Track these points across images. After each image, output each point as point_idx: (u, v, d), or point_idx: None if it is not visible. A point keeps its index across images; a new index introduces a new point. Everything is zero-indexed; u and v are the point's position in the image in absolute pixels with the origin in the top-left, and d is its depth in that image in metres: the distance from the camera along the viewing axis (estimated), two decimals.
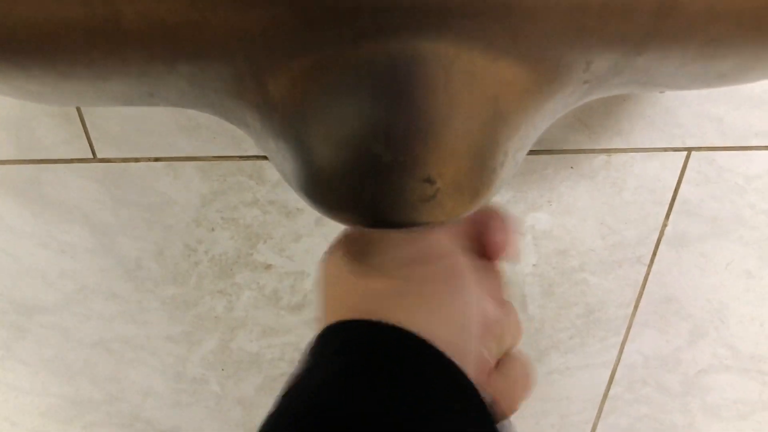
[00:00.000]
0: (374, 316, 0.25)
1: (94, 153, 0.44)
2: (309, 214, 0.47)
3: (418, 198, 0.22)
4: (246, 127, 0.25)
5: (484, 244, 0.30)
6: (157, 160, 0.44)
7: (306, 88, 0.20)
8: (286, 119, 0.22)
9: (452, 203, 0.23)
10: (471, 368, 0.25)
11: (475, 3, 0.17)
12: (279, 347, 0.56)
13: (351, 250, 0.28)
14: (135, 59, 0.19)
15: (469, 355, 0.26)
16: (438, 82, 0.19)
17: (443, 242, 0.27)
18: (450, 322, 0.25)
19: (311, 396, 0.22)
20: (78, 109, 0.42)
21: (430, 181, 0.22)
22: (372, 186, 0.22)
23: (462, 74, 0.19)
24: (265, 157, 0.44)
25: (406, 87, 0.19)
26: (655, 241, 0.50)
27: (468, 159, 0.22)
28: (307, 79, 0.20)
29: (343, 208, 0.23)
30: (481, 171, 0.23)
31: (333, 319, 0.26)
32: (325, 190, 0.23)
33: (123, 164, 0.44)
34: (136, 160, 0.44)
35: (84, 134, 0.43)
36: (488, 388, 0.28)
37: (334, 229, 0.30)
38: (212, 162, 0.44)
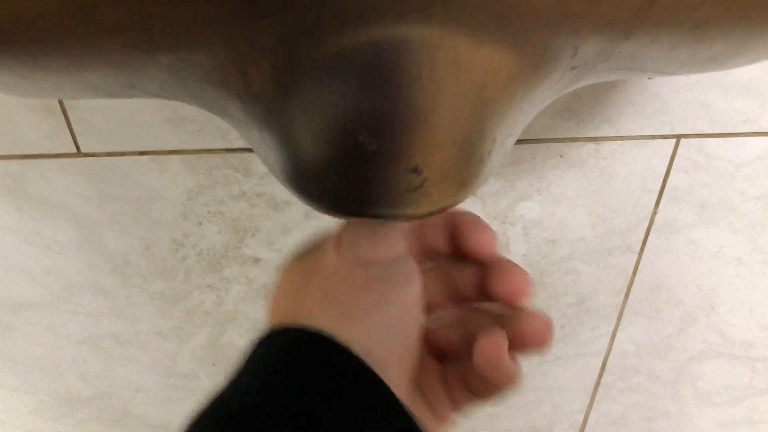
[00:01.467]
0: (306, 321, 0.26)
1: (78, 147, 0.43)
2: (297, 206, 0.47)
3: (405, 188, 0.22)
4: (229, 118, 0.24)
5: (463, 243, 0.29)
6: (142, 153, 0.44)
7: (288, 77, 0.20)
8: (269, 109, 0.21)
9: (439, 193, 0.23)
10: (404, 372, 0.27)
11: None
12: None
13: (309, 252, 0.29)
14: (113, 49, 0.19)
15: (403, 360, 0.27)
16: (423, 69, 0.19)
17: (412, 272, 0.28)
18: (384, 329, 0.26)
19: (231, 399, 0.24)
20: (61, 103, 0.41)
21: (416, 170, 0.21)
22: (357, 176, 0.22)
23: (447, 61, 0.19)
24: (251, 150, 0.43)
25: (390, 75, 0.19)
26: (645, 229, 0.50)
27: (455, 148, 0.22)
28: (289, 67, 0.20)
29: (328, 198, 0.23)
30: (468, 160, 0.22)
31: (272, 322, 0.27)
32: (310, 180, 0.23)
33: (108, 158, 0.44)
34: (121, 154, 0.44)
35: (67, 128, 0.42)
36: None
37: (324, 221, 0.30)
38: (198, 155, 0.44)
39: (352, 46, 0.18)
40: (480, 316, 0.30)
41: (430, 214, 0.23)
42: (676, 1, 0.19)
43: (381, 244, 0.27)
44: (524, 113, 0.23)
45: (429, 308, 0.31)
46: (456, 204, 0.24)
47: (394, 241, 0.27)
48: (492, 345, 0.27)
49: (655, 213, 0.49)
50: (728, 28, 0.20)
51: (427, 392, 0.30)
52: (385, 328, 0.26)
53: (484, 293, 0.29)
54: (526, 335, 0.27)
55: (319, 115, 0.21)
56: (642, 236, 0.51)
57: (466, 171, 0.23)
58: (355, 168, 0.22)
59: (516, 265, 0.29)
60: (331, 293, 0.27)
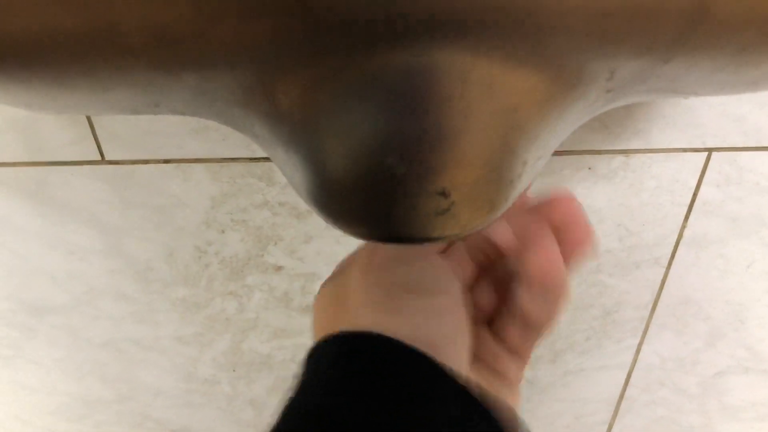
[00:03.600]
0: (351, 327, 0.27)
1: (102, 155, 0.43)
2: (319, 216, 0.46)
3: (433, 211, 0.21)
4: (254, 137, 0.24)
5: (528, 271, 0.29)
6: (166, 162, 0.43)
7: (316, 98, 0.20)
8: (296, 129, 0.21)
9: (468, 216, 0.22)
10: (461, 351, 0.28)
11: (493, 11, 0.16)
12: (290, 348, 0.56)
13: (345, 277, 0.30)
14: (138, 70, 0.19)
15: (456, 339, 0.28)
16: (454, 92, 0.18)
17: (443, 273, 0.29)
18: (429, 316, 0.27)
19: (311, 408, 0.24)
20: None
21: (444, 194, 0.21)
22: (385, 199, 0.21)
23: (479, 84, 0.18)
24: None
25: (421, 97, 0.19)
26: (673, 243, 0.49)
27: (484, 171, 0.21)
28: (318, 88, 0.19)
29: (354, 220, 0.22)
30: (498, 183, 0.22)
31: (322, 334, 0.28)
32: (336, 201, 0.22)
33: (131, 166, 0.44)
34: (145, 162, 0.44)
35: (92, 136, 0.42)
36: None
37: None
38: (222, 164, 0.43)
39: (381, 68, 0.18)
40: (508, 265, 0.32)
41: (458, 237, 0.23)
42: (721, 23, 0.18)
43: (408, 250, 0.28)
44: (556, 135, 0.23)
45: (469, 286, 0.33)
46: (484, 226, 0.23)
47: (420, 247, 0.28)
48: (544, 250, 0.29)
49: (684, 227, 0.48)
50: None
51: (488, 360, 0.31)
52: (429, 316, 0.27)
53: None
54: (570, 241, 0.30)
55: (346, 137, 0.20)
56: (670, 250, 0.50)
57: (495, 194, 0.22)
58: (381, 190, 0.21)
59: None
60: (369, 298, 0.27)
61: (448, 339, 0.27)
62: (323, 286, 0.31)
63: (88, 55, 0.18)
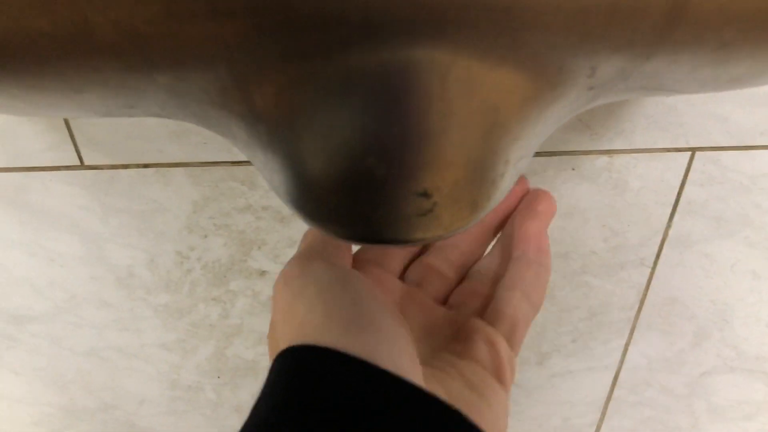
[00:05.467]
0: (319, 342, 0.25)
1: (81, 160, 0.42)
2: None
3: (414, 212, 0.21)
4: (233, 138, 0.23)
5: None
6: (146, 166, 0.43)
7: (293, 98, 0.19)
8: (274, 130, 0.21)
9: (450, 217, 0.22)
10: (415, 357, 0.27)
11: (470, 9, 0.16)
12: None
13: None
14: (110, 71, 0.18)
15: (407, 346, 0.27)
16: (433, 91, 0.18)
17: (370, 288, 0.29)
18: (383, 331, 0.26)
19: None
20: None
21: (426, 194, 0.21)
22: (365, 200, 0.21)
23: (458, 83, 0.18)
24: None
25: (400, 97, 0.18)
26: (658, 243, 0.49)
27: (466, 171, 0.21)
28: (294, 88, 0.19)
29: (335, 222, 0.22)
30: (480, 183, 0.21)
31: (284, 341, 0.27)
32: (317, 203, 0.22)
33: (111, 171, 0.43)
34: (125, 166, 0.43)
35: (71, 141, 0.41)
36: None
37: None
38: (203, 168, 0.43)
39: (359, 67, 0.18)
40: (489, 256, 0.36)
41: (441, 238, 0.22)
42: (701, 20, 0.18)
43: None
44: (539, 133, 0.22)
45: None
46: (468, 227, 0.23)
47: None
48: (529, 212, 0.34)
49: (669, 227, 0.48)
50: (754, 48, 0.19)
51: (478, 351, 0.30)
52: (383, 330, 0.26)
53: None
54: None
55: (325, 138, 0.20)
56: (655, 250, 0.50)
57: (478, 194, 0.22)
58: (362, 192, 0.21)
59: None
60: (326, 307, 0.26)
61: (404, 350, 0.26)
62: (277, 285, 0.30)
63: (58, 55, 0.18)
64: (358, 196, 0.21)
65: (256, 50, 0.17)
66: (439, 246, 0.35)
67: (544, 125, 0.22)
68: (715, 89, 0.23)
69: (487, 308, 0.32)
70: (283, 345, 0.26)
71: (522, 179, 0.36)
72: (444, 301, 0.34)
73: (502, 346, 0.30)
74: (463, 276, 0.36)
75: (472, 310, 0.33)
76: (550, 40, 0.18)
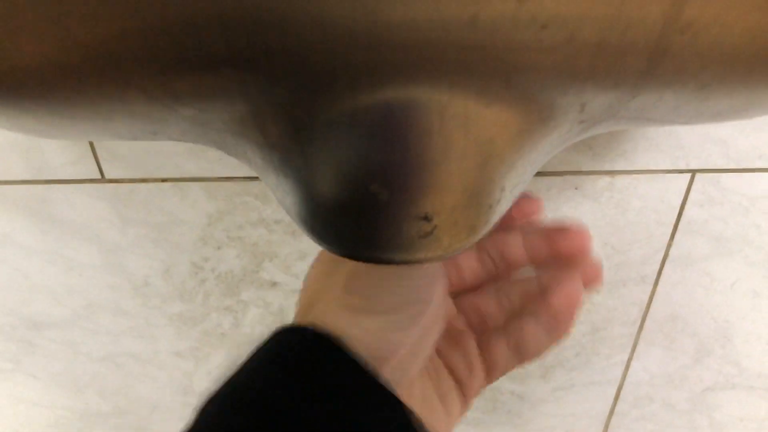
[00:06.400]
0: (326, 310, 0.29)
1: (102, 174, 0.44)
2: None
3: (416, 234, 0.23)
4: (247, 161, 0.25)
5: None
6: (164, 180, 0.45)
7: (304, 131, 0.21)
8: (286, 158, 0.22)
9: (449, 239, 0.23)
10: (417, 358, 0.30)
11: (467, 52, 0.17)
12: None
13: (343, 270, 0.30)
14: (136, 103, 0.20)
15: (417, 348, 0.29)
16: (432, 126, 0.20)
17: (426, 282, 0.30)
18: (401, 322, 0.28)
19: (241, 384, 0.27)
20: None
21: (427, 218, 0.22)
22: (370, 223, 0.22)
23: (456, 119, 0.20)
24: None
25: (401, 131, 0.20)
26: (659, 261, 0.50)
27: (464, 197, 0.22)
28: (305, 122, 0.20)
29: (342, 243, 0.24)
30: (477, 208, 0.23)
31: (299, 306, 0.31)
32: (325, 225, 0.24)
33: (131, 185, 0.45)
34: (144, 180, 0.45)
35: (92, 155, 0.43)
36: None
37: None
38: (218, 182, 0.45)
39: (364, 104, 0.19)
40: (519, 284, 0.34)
41: (441, 258, 0.24)
42: (680, 62, 0.19)
43: None
44: (533, 163, 0.24)
45: (470, 286, 0.35)
46: (466, 248, 0.25)
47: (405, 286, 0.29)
48: (573, 288, 0.31)
49: (669, 245, 0.49)
50: (732, 89, 0.20)
51: (456, 366, 0.33)
52: (401, 322, 0.28)
53: (535, 256, 0.33)
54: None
55: (333, 166, 0.21)
56: (657, 267, 0.51)
57: (475, 218, 0.23)
58: (367, 216, 0.22)
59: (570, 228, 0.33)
60: (353, 284, 0.29)
61: (410, 349, 0.28)
62: (318, 256, 0.33)
63: (91, 88, 0.19)
64: (363, 219, 0.22)
65: (272, 90, 0.19)
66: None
67: (538, 155, 0.24)
68: (701, 122, 0.25)
69: (487, 332, 0.34)
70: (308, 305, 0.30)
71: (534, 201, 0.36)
72: (464, 286, 0.35)
73: (478, 376, 0.33)
74: (498, 266, 0.35)
75: (475, 323, 0.34)
76: (541, 80, 0.19)
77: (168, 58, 0.18)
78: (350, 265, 0.29)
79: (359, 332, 0.27)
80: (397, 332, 0.28)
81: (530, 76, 0.19)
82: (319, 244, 0.25)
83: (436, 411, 0.31)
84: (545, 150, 0.24)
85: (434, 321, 0.30)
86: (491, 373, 0.33)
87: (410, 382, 0.30)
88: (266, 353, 0.28)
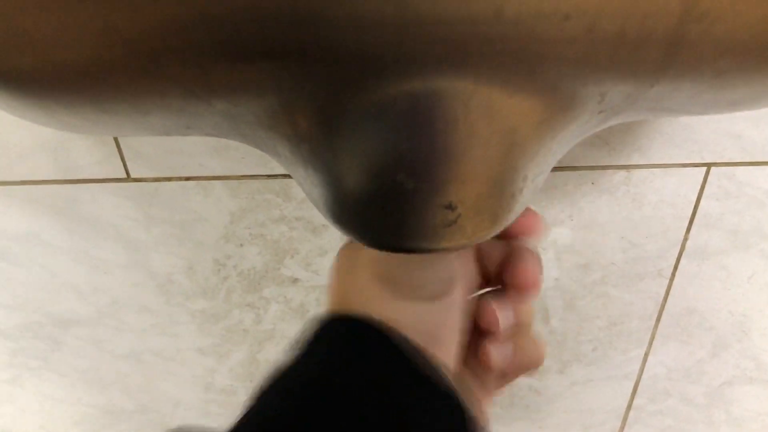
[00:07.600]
0: (358, 302, 0.29)
1: (127, 173, 0.45)
2: (334, 230, 0.48)
3: (440, 223, 0.23)
4: (276, 155, 0.26)
5: (511, 278, 0.32)
6: (188, 179, 0.46)
7: (333, 122, 0.22)
8: (314, 149, 0.23)
9: (473, 227, 0.24)
10: (455, 345, 0.30)
11: (492, 44, 0.18)
12: None
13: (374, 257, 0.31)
14: (173, 96, 0.21)
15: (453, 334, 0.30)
16: (457, 115, 0.20)
17: (453, 275, 0.30)
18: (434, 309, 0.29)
19: (299, 374, 0.27)
20: None
21: (451, 207, 0.23)
22: (396, 212, 0.23)
23: (480, 108, 0.20)
24: (291, 176, 0.45)
25: (427, 121, 0.21)
26: (676, 255, 0.51)
27: (488, 185, 0.23)
28: (334, 113, 0.21)
29: (368, 232, 0.24)
30: (500, 196, 0.24)
31: (330, 303, 0.31)
32: (352, 215, 0.24)
33: (155, 183, 0.46)
34: (168, 179, 0.46)
35: (118, 155, 0.44)
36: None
37: None
38: (241, 181, 0.46)
39: (392, 95, 0.20)
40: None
41: (464, 246, 0.25)
42: (697, 51, 0.20)
43: None
44: (554, 152, 0.25)
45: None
46: (489, 237, 0.25)
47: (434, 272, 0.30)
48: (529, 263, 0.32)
49: (686, 239, 0.50)
50: (748, 77, 0.21)
51: (475, 367, 0.33)
52: (435, 308, 0.29)
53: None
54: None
55: (360, 157, 0.22)
56: (673, 262, 0.51)
57: (498, 207, 0.24)
58: (393, 205, 0.23)
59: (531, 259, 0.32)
60: (383, 273, 0.29)
61: (448, 335, 0.30)
62: (342, 248, 0.33)
63: (130, 83, 0.20)
64: (389, 208, 0.23)
65: (303, 82, 0.20)
66: None
67: (559, 144, 0.24)
68: (717, 112, 0.25)
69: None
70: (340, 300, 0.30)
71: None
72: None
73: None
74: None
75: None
76: (563, 71, 0.20)
77: (206, 51, 0.18)
78: (374, 255, 0.30)
79: (403, 317, 0.28)
80: (436, 314, 0.29)
81: (552, 66, 0.20)
82: (346, 234, 0.26)
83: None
84: (565, 140, 0.24)
85: (459, 313, 0.31)
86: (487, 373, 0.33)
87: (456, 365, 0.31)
88: (319, 343, 0.28)
